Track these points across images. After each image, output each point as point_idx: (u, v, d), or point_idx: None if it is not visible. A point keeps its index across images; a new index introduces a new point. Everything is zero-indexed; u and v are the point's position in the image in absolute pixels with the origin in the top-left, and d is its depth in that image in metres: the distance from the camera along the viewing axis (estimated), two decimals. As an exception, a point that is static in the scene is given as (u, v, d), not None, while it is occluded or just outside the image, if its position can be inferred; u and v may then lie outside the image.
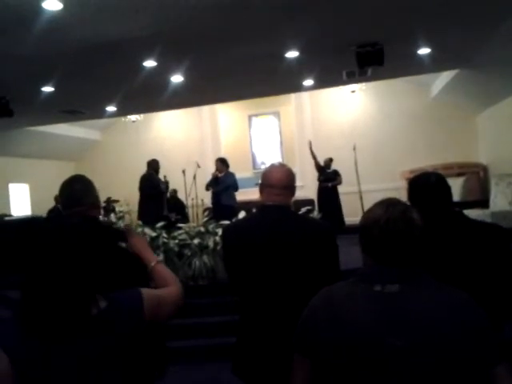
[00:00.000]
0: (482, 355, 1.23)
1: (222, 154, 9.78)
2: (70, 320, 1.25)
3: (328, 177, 9.11)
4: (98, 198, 2.17)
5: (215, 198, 8.08)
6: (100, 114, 8.84)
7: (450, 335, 1.22)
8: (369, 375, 1.25)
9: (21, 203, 10.67)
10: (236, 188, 8.18)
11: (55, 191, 9.17)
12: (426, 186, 2.01)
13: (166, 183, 8.24)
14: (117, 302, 1.40)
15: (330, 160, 9.29)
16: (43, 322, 1.23)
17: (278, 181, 2.05)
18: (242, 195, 8.68)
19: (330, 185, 9.02)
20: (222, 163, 8.11)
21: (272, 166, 2.18)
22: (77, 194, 2.06)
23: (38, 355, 1.23)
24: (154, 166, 8.07)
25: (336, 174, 9.13)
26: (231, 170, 8.23)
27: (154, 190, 7.79)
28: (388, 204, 1.35)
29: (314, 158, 9.14)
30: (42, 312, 1.24)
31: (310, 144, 9.18)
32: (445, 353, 1.21)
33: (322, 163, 9.25)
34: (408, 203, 1.58)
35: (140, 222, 6.41)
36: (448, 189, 2.00)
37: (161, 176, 8.22)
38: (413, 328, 1.23)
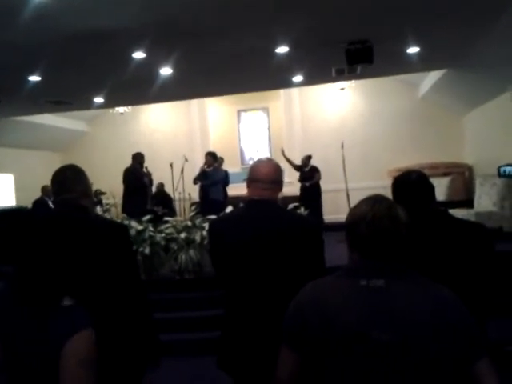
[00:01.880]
0: (465, 350, 1.25)
1: (211, 149, 9.75)
2: (43, 300, 1.47)
3: (306, 176, 9.16)
4: (90, 187, 2.18)
5: (203, 192, 8.05)
6: (88, 105, 8.74)
7: (434, 330, 1.24)
8: (354, 369, 1.27)
9: (5, 194, 10.52)
10: (226, 183, 8.20)
11: (41, 182, 9.06)
12: (407, 183, 2.04)
13: (149, 176, 8.17)
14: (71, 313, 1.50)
15: (308, 158, 9.34)
16: (25, 296, 1.48)
17: (265, 175, 2.06)
18: (230, 190, 8.68)
19: (307, 184, 9.06)
20: (211, 157, 8.08)
21: (259, 161, 2.18)
22: (68, 180, 2.07)
23: (16, 322, 1.49)
24: (138, 159, 8.00)
25: (314, 171, 9.16)
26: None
27: (138, 184, 7.73)
28: (374, 201, 1.37)
29: (289, 161, 9.32)
30: (25, 288, 1.48)
31: (283, 151, 9.33)
32: (429, 347, 1.23)
33: (299, 163, 9.35)
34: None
35: (125, 216, 6.38)
36: (429, 186, 2.03)
37: (147, 169, 8.18)
38: (398, 322, 1.25)
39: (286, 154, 9.39)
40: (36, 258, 1.50)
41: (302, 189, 9.22)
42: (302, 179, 9.23)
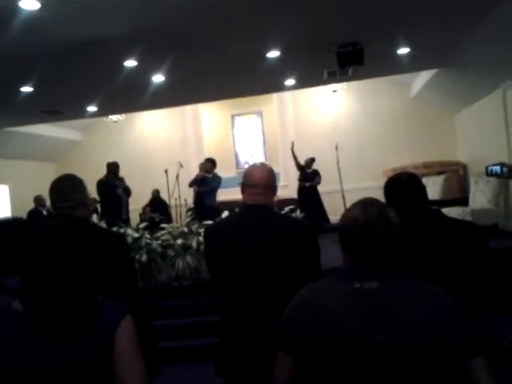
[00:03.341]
0: (460, 348, 1.26)
1: (206, 154, 9.75)
2: (70, 318, 1.29)
3: (306, 176, 9.19)
4: (88, 197, 2.19)
5: (198, 198, 8.00)
6: (81, 114, 8.73)
7: (428, 330, 1.25)
8: (350, 371, 1.28)
9: (0, 205, 10.49)
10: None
11: (35, 192, 9.03)
12: (398, 184, 2.06)
13: (125, 186, 7.97)
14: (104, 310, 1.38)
15: (311, 160, 9.37)
16: (46, 318, 1.28)
17: (259, 180, 2.06)
18: (225, 195, 8.68)
19: (307, 184, 9.09)
20: (211, 163, 8.00)
21: (253, 166, 2.19)
22: (65, 189, 2.08)
23: (38, 348, 1.28)
24: (112, 168, 7.85)
25: (315, 173, 9.21)
26: (215, 169, 8.18)
27: (112, 195, 7.59)
28: (365, 204, 1.38)
29: (295, 158, 9.29)
30: (45, 309, 1.28)
31: (293, 144, 9.31)
32: (423, 347, 1.24)
33: (303, 163, 9.34)
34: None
35: (121, 224, 6.35)
36: (421, 187, 2.04)
37: (127, 177, 8.06)
38: (392, 324, 1.26)
39: (295, 150, 9.34)
40: (56, 274, 1.31)
41: (301, 189, 9.24)
42: (302, 179, 9.24)
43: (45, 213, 8.76)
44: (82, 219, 2.08)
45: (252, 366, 1.91)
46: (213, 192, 7.87)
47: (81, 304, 1.32)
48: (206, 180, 7.89)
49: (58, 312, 1.28)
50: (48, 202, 2.27)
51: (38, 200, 8.80)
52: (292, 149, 9.25)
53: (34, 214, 8.70)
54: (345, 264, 1.43)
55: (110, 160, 8.11)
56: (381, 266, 1.34)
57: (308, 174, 9.22)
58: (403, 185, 2.04)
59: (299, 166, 9.33)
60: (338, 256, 1.45)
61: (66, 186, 2.09)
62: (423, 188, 2.04)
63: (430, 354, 1.24)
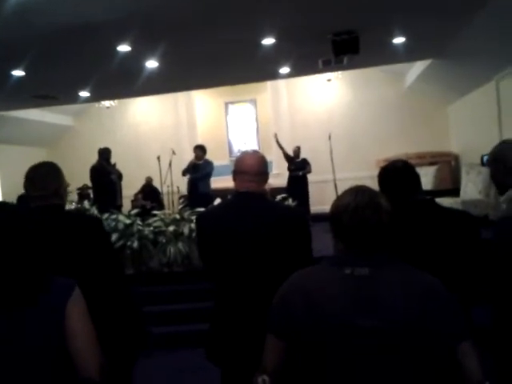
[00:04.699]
0: (448, 332, 1.28)
1: (199, 141, 9.70)
2: (15, 292, 1.31)
3: (298, 166, 9.21)
4: (63, 186, 2.12)
5: (192, 185, 8.00)
6: (73, 99, 8.64)
7: (417, 315, 1.26)
8: (340, 356, 1.29)
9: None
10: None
11: (26, 177, 8.81)
12: (392, 172, 2.07)
13: (118, 172, 8.03)
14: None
15: (298, 148, 9.40)
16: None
17: (251, 167, 2.06)
18: (218, 183, 8.66)
19: (300, 173, 9.12)
20: (201, 150, 8.02)
21: (244, 153, 2.19)
22: (39, 178, 2.03)
23: None
24: (105, 155, 7.86)
25: (305, 162, 9.25)
26: (208, 156, 8.17)
27: (106, 181, 7.59)
28: (357, 191, 1.39)
29: (282, 148, 9.32)
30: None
31: (276, 136, 9.37)
32: (413, 331, 1.26)
33: (290, 153, 9.36)
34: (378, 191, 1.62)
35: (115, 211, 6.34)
36: (414, 174, 2.05)
37: (119, 164, 8.03)
38: (382, 309, 1.28)
39: (280, 140, 9.38)
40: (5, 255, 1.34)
41: (292, 179, 9.25)
42: (293, 169, 9.24)
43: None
44: (55, 205, 2.03)
45: (243, 351, 1.92)
46: (206, 178, 7.88)
47: (25, 278, 1.33)
48: (198, 167, 7.89)
49: (2, 286, 1.30)
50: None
51: None
52: (277, 141, 9.29)
53: (23, 198, 8.64)
54: (336, 251, 1.44)
55: (102, 146, 8.06)
56: (371, 252, 1.35)
57: (299, 164, 9.24)
58: (397, 172, 2.05)
59: (288, 157, 9.36)
60: (329, 244, 1.46)
61: (41, 175, 2.04)
62: (417, 176, 2.05)
63: (420, 338, 1.26)
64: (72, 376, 1.35)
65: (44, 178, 2.03)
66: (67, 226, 1.99)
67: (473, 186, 7.37)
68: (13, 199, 8.67)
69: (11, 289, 1.31)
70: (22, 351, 1.30)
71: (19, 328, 1.31)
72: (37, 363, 1.32)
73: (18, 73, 6.35)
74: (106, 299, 1.97)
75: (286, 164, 9.55)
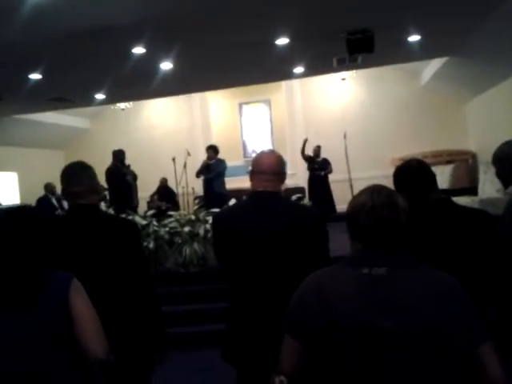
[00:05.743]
0: (467, 334, 1.26)
1: (213, 142, 9.73)
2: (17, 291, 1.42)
3: (320, 166, 9.17)
4: (98, 183, 2.23)
5: (207, 185, 8.04)
6: (89, 101, 8.74)
7: (436, 316, 1.24)
8: (357, 356, 1.28)
9: (9, 192, 10.57)
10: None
11: (44, 179, 9.09)
12: (407, 171, 2.06)
13: (133, 173, 8.06)
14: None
15: (319, 148, 9.36)
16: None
17: (268, 167, 2.06)
18: (232, 183, 8.68)
19: (322, 173, 9.08)
20: (212, 150, 8.09)
21: (262, 153, 2.19)
22: (77, 174, 2.11)
23: None
24: (119, 156, 7.89)
25: (326, 162, 9.22)
26: (222, 157, 8.21)
27: (121, 182, 7.63)
28: (373, 190, 1.38)
29: (303, 152, 9.25)
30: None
31: (305, 141, 9.25)
32: (431, 332, 1.24)
33: (311, 153, 9.32)
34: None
35: (129, 211, 6.39)
36: (430, 173, 2.04)
37: (134, 166, 8.08)
38: (400, 310, 1.26)
39: (296, 140, 9.35)
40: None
41: (314, 179, 9.21)
42: (317, 168, 9.19)
43: (54, 201, 8.83)
44: (91, 206, 2.10)
45: (259, 351, 1.92)
46: (220, 177, 7.94)
47: (26, 277, 1.43)
48: (210, 167, 7.93)
49: (4, 285, 1.42)
50: (58, 190, 2.31)
51: (49, 188, 8.86)
52: (304, 145, 9.20)
53: (42, 200, 8.76)
54: (353, 251, 1.42)
55: (116, 148, 8.14)
56: (389, 251, 1.34)
57: (321, 163, 9.20)
58: (412, 171, 2.03)
59: (307, 158, 9.29)
60: (346, 245, 1.45)
61: (78, 172, 2.12)
62: (433, 175, 2.03)
63: (438, 339, 1.24)
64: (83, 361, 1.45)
65: (82, 175, 2.11)
66: (104, 228, 2.06)
67: (490, 185, 7.27)
68: (31, 201, 8.84)
69: (11, 289, 1.41)
70: (32, 338, 1.40)
71: (28, 318, 1.41)
72: (53, 351, 1.43)
73: (35, 76, 6.44)
74: (134, 300, 2.02)
75: (301, 164, 9.52)
